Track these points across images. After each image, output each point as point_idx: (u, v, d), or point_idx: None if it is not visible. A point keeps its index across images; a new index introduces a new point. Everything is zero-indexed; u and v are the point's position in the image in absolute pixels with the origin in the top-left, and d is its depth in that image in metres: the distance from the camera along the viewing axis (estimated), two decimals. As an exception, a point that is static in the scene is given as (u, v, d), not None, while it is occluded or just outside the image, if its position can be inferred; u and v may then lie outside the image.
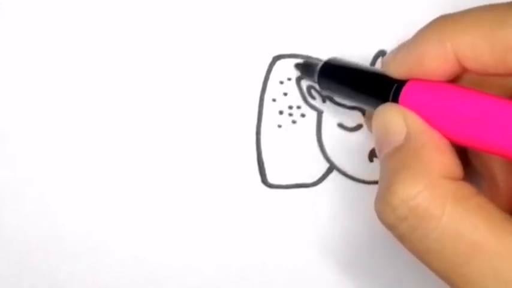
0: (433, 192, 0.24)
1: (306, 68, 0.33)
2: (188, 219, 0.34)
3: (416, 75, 0.26)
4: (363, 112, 0.34)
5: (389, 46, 0.34)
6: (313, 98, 0.34)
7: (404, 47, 0.27)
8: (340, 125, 0.34)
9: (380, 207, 0.25)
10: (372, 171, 0.34)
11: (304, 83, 0.34)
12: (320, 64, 0.32)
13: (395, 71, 0.27)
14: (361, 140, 0.34)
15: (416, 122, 0.26)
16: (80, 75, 0.35)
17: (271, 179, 0.34)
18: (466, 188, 0.24)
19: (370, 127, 0.33)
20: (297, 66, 0.34)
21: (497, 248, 0.23)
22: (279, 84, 0.34)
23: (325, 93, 0.33)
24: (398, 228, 0.25)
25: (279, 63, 0.35)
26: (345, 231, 0.34)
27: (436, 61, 0.26)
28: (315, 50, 0.35)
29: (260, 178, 0.34)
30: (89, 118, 0.34)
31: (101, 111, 0.34)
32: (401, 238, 0.25)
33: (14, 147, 0.34)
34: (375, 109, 0.28)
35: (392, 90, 0.27)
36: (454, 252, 0.23)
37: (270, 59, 0.35)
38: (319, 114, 0.34)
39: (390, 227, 0.25)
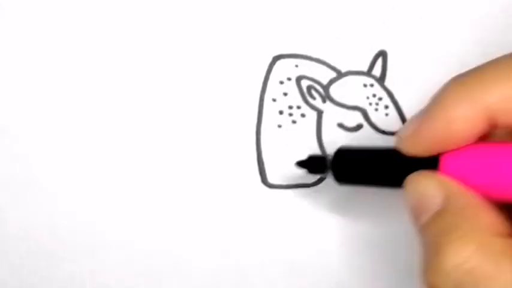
0: (486, 252, 0.22)
1: (312, 163, 0.31)
2: (188, 219, 0.34)
3: (448, 146, 0.25)
4: (363, 112, 0.34)
5: (389, 46, 0.34)
6: (313, 98, 0.34)
7: (423, 119, 0.25)
8: (340, 125, 0.34)
9: (432, 277, 0.23)
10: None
11: (304, 83, 0.34)
12: (331, 156, 0.30)
13: (423, 150, 0.25)
14: (361, 140, 0.34)
15: (452, 185, 0.24)
16: (81, 75, 0.35)
17: (271, 179, 0.34)
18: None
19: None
20: (300, 163, 0.32)
21: None
22: (279, 84, 0.34)
23: (342, 183, 0.30)
24: None
25: (279, 63, 0.35)
26: (344, 231, 0.34)
27: (466, 125, 0.24)
28: (315, 50, 0.35)
29: (260, 178, 0.34)
30: (89, 118, 0.34)
31: (101, 111, 0.34)
32: None
33: (14, 147, 0.34)
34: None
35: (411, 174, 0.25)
36: None
37: (270, 59, 0.35)
38: (319, 114, 0.34)
39: None
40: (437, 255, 0.23)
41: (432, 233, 0.24)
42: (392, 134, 0.34)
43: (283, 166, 0.34)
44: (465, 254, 0.23)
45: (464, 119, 0.24)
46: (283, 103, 0.34)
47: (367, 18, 0.35)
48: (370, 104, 0.34)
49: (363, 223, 0.34)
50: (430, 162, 0.25)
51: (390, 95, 0.34)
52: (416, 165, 0.26)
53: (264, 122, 0.34)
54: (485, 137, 0.25)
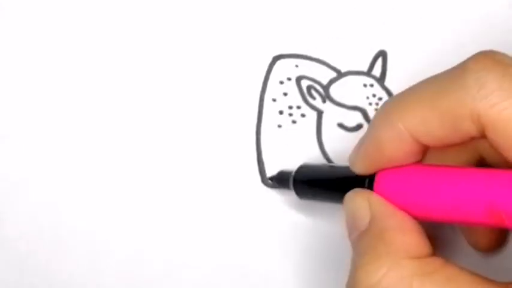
0: (398, 273, 0.23)
1: (279, 179, 0.33)
2: (188, 219, 0.34)
3: (383, 165, 0.26)
4: (363, 112, 0.34)
5: (389, 46, 0.34)
6: (313, 98, 0.34)
7: (362, 141, 0.27)
8: (340, 125, 0.34)
9: None
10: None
11: (304, 83, 0.34)
12: (292, 173, 0.32)
13: (362, 169, 0.27)
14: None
15: (380, 206, 0.26)
16: (82, 75, 0.35)
17: (271, 179, 0.34)
18: (433, 262, 0.24)
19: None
20: (272, 179, 0.34)
21: None
22: (279, 84, 0.35)
23: (303, 198, 0.33)
24: None
25: (279, 63, 0.35)
26: (344, 231, 0.34)
27: (394, 145, 0.25)
28: (315, 50, 0.35)
29: (260, 178, 0.34)
30: (89, 119, 0.34)
31: (101, 111, 0.34)
32: None
33: (14, 148, 0.34)
34: None
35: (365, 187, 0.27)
36: None
37: (270, 59, 0.35)
38: (319, 114, 0.34)
39: None
40: (353, 276, 0.24)
41: (355, 252, 0.26)
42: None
43: (283, 166, 0.34)
44: (376, 276, 0.24)
45: (389, 141, 0.25)
46: (283, 103, 0.34)
47: (367, 18, 0.35)
48: (370, 104, 0.34)
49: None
50: (369, 181, 0.27)
51: (390, 95, 0.34)
52: (357, 182, 0.27)
53: (264, 122, 0.34)
54: (424, 156, 0.26)
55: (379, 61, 0.35)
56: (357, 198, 0.27)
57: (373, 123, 0.26)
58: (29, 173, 0.34)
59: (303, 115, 0.34)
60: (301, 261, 0.34)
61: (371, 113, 0.34)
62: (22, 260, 0.34)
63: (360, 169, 0.27)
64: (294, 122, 0.34)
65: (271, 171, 0.34)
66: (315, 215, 0.34)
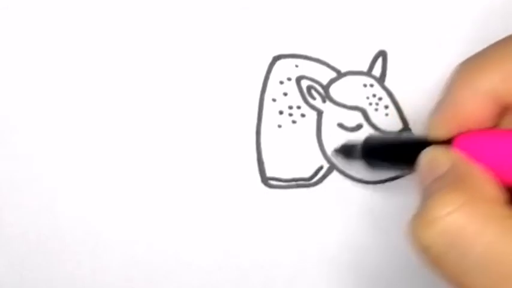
0: (474, 209, 0.22)
1: (346, 150, 0.33)
2: (188, 219, 0.34)
3: (461, 129, 0.26)
4: (363, 112, 0.34)
5: (389, 46, 0.34)
6: (313, 98, 0.34)
7: (440, 105, 0.26)
8: (340, 125, 0.34)
9: (414, 226, 0.23)
10: (372, 171, 0.34)
11: (304, 83, 0.34)
12: (359, 144, 0.32)
13: (441, 132, 0.26)
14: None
15: (461, 157, 0.25)
16: (82, 75, 0.35)
17: (271, 179, 0.34)
18: (509, 210, 0.23)
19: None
20: (337, 151, 0.34)
21: None
22: (279, 84, 0.34)
23: (373, 167, 0.32)
24: (434, 247, 0.23)
25: (279, 63, 0.35)
26: (344, 231, 0.34)
27: (474, 106, 0.25)
28: (315, 50, 0.35)
29: (260, 178, 0.34)
30: (89, 118, 0.34)
31: (101, 111, 0.34)
32: (437, 259, 0.23)
33: (14, 147, 0.34)
34: None
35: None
36: (496, 272, 0.22)
37: (270, 59, 0.35)
38: (319, 114, 0.34)
39: (425, 247, 0.23)
40: (426, 205, 0.23)
41: (429, 189, 0.24)
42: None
43: (283, 166, 0.34)
44: (451, 207, 0.22)
45: (469, 103, 0.25)
46: (283, 103, 0.34)
47: (367, 18, 0.35)
48: (370, 104, 0.34)
49: (362, 223, 0.34)
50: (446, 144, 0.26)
51: (390, 95, 0.34)
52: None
53: (264, 122, 0.34)
54: (503, 118, 0.26)
55: (379, 61, 0.34)
56: (437, 149, 0.26)
57: (450, 86, 0.26)
58: (29, 173, 0.34)
59: (303, 115, 0.34)
60: (301, 261, 0.34)
61: (371, 113, 0.34)
62: (22, 260, 0.34)
63: (439, 133, 0.26)
64: (294, 122, 0.34)
65: (271, 171, 0.34)
66: (314, 215, 0.34)
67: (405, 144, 0.30)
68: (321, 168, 0.34)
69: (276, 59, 0.35)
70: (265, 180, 0.34)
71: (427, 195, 0.24)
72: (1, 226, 0.34)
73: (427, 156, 0.26)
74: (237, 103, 0.34)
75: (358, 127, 0.34)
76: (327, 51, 0.35)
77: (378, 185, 0.34)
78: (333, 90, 0.34)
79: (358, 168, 0.33)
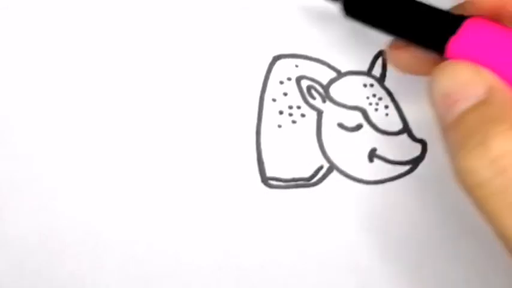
0: None
1: None
2: (188, 219, 0.34)
3: (471, 12, 0.24)
4: (363, 112, 0.34)
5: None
6: (313, 98, 0.34)
7: None
8: (340, 125, 0.34)
9: (472, 160, 0.22)
10: (372, 171, 0.34)
11: (304, 83, 0.34)
12: None
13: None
14: (361, 140, 0.34)
15: (493, 77, 0.24)
16: (82, 74, 0.35)
17: (271, 179, 0.34)
18: None
19: (395, 59, 0.29)
20: None
21: None
22: (279, 84, 0.35)
23: (348, 18, 0.29)
24: (493, 184, 0.22)
25: (279, 63, 0.35)
26: (344, 231, 0.34)
27: None
28: (315, 50, 0.35)
29: (260, 178, 0.34)
30: (89, 119, 0.34)
31: (101, 111, 0.34)
32: (494, 196, 0.22)
33: (14, 147, 0.34)
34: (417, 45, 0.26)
35: (457, 30, 0.24)
36: None
37: (270, 59, 0.35)
38: (319, 114, 0.34)
39: (482, 183, 0.22)
40: (485, 142, 0.22)
41: (476, 120, 0.23)
42: (392, 134, 0.34)
43: (283, 166, 0.34)
44: None
45: None
46: (283, 103, 0.34)
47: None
48: (370, 104, 0.34)
49: (362, 223, 0.34)
50: (453, 23, 0.24)
51: (390, 95, 0.34)
52: (435, 18, 0.25)
53: (264, 122, 0.34)
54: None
55: (379, 61, 0.35)
56: (465, 67, 0.24)
57: None
58: (29, 173, 0.34)
59: (303, 115, 0.34)
60: (301, 261, 0.34)
61: (371, 113, 0.34)
62: (22, 260, 0.34)
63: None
64: (294, 122, 0.34)
65: (271, 171, 0.34)
66: (314, 215, 0.34)
67: (404, 8, 0.27)
68: (321, 168, 0.34)
69: (276, 59, 0.35)
70: (265, 180, 0.34)
71: (475, 127, 0.23)
72: (1, 226, 0.34)
73: (450, 74, 0.24)
74: (237, 103, 0.34)
75: (358, 127, 0.34)
76: (327, 51, 0.35)
77: (378, 185, 0.34)
78: (333, 90, 0.34)
79: (357, 167, 0.34)
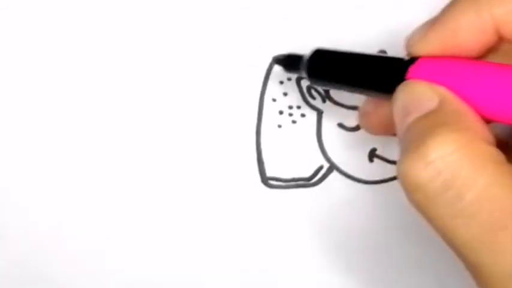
0: (473, 151, 0.22)
1: (290, 61, 0.32)
2: (188, 219, 0.34)
3: (448, 53, 0.25)
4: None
5: (389, 46, 0.34)
6: (313, 98, 0.34)
7: (433, 23, 0.25)
8: (340, 125, 0.34)
9: (408, 164, 0.22)
10: (372, 171, 0.34)
11: (304, 83, 0.34)
12: (308, 55, 0.30)
13: (424, 50, 0.25)
14: (361, 140, 0.34)
15: (446, 91, 0.24)
16: (82, 74, 0.35)
17: (271, 179, 0.34)
18: (502, 155, 0.23)
19: (366, 122, 0.30)
20: (278, 61, 0.33)
21: None
22: (279, 84, 0.34)
23: (315, 85, 0.32)
24: (428, 187, 0.22)
25: (279, 63, 0.35)
26: (344, 231, 0.34)
27: (472, 34, 0.24)
28: (315, 50, 0.35)
29: (260, 178, 0.34)
30: (89, 121, 0.34)
31: (101, 112, 0.34)
32: (428, 200, 0.22)
33: (15, 148, 0.34)
34: (381, 95, 0.27)
35: (409, 67, 0.25)
36: (490, 216, 0.21)
37: (270, 59, 0.35)
38: (319, 114, 0.34)
39: (418, 186, 0.22)
40: (422, 145, 0.22)
41: (420, 127, 0.24)
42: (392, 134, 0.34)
43: (283, 166, 0.34)
44: (451, 148, 0.22)
45: (469, 28, 0.24)
46: (283, 103, 0.34)
47: (367, 18, 0.35)
48: (370, 104, 0.34)
49: (362, 223, 0.34)
50: (406, 64, 0.25)
51: (390, 95, 0.34)
52: (390, 65, 0.26)
53: (264, 122, 0.34)
54: (489, 52, 0.25)
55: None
56: (420, 84, 0.25)
57: (453, 5, 0.25)
58: (29, 173, 0.34)
59: (303, 115, 0.34)
60: (301, 261, 0.34)
61: (371, 113, 0.34)
62: (22, 260, 0.34)
63: (420, 51, 0.25)
64: (294, 122, 0.34)
65: (271, 171, 0.34)
66: (314, 215, 0.34)
67: (361, 61, 0.28)
68: (321, 168, 0.34)
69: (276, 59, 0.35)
70: (265, 180, 0.34)
71: (419, 132, 0.23)
72: (1, 226, 0.34)
73: (408, 91, 0.25)
74: (237, 103, 0.34)
75: (358, 127, 0.34)
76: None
77: (378, 185, 0.34)
78: (333, 90, 0.34)
79: (357, 167, 0.34)
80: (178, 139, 0.34)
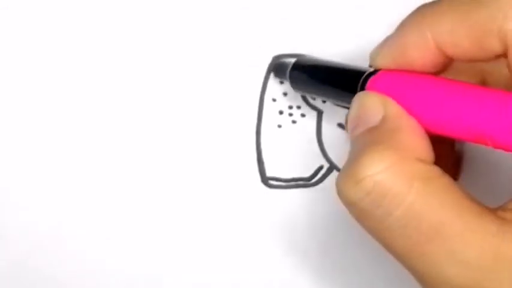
0: (401, 169, 0.23)
1: (279, 68, 0.34)
2: (188, 219, 0.34)
3: (401, 67, 0.26)
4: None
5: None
6: (313, 98, 0.34)
7: (388, 40, 0.27)
8: (340, 125, 0.34)
9: (342, 181, 0.24)
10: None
11: (304, 83, 0.34)
12: (291, 63, 0.32)
13: (380, 64, 0.27)
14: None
15: (394, 107, 0.25)
16: (82, 74, 0.35)
17: (271, 179, 0.34)
18: (434, 170, 0.24)
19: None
20: (272, 67, 0.34)
21: (460, 229, 0.22)
22: (279, 84, 0.35)
23: (299, 93, 0.33)
24: (360, 204, 0.24)
25: (279, 63, 0.35)
26: (344, 231, 0.34)
27: (417, 51, 0.25)
28: (315, 50, 0.35)
29: (260, 178, 0.34)
30: (89, 120, 0.34)
31: (101, 112, 0.34)
32: (361, 215, 0.24)
33: (14, 148, 0.34)
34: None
35: (362, 79, 0.27)
36: (417, 230, 0.23)
37: (270, 59, 0.35)
38: (319, 114, 0.34)
39: (350, 203, 0.24)
40: (355, 163, 0.23)
41: (358, 144, 0.25)
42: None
43: (283, 166, 0.34)
44: (379, 167, 0.23)
45: (413, 47, 0.25)
46: (283, 103, 0.34)
47: (367, 18, 0.35)
48: (370, 104, 0.34)
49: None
50: (366, 77, 0.27)
51: (390, 95, 0.34)
52: (356, 76, 0.27)
53: (264, 122, 0.34)
54: (444, 69, 0.26)
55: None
56: (372, 95, 0.26)
57: (402, 25, 0.26)
58: (29, 173, 0.34)
59: (303, 115, 0.34)
60: (301, 261, 0.34)
61: (371, 113, 0.34)
62: (22, 261, 0.34)
63: (378, 64, 0.27)
64: (294, 122, 0.34)
65: (271, 171, 0.34)
66: (314, 215, 0.34)
67: (335, 70, 0.30)
68: (321, 168, 0.34)
69: (276, 59, 0.35)
70: (265, 180, 0.34)
71: (358, 148, 0.24)
72: (1, 226, 0.34)
73: (361, 101, 0.26)
74: (237, 103, 0.34)
75: (358, 127, 0.34)
76: (327, 51, 0.35)
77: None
78: (333, 90, 0.34)
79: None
80: (179, 139, 0.34)
